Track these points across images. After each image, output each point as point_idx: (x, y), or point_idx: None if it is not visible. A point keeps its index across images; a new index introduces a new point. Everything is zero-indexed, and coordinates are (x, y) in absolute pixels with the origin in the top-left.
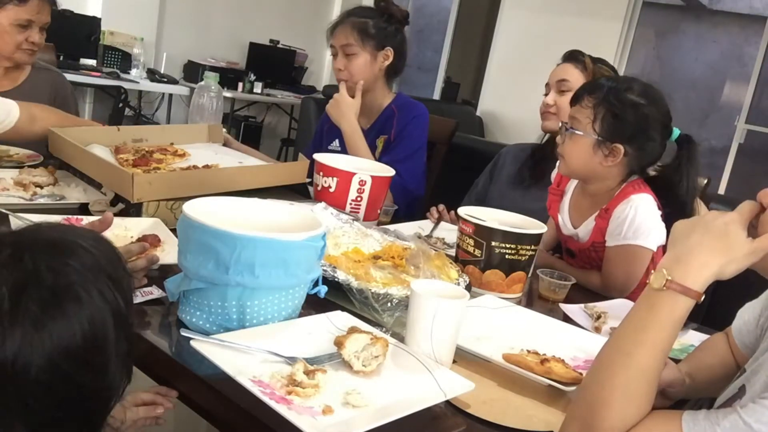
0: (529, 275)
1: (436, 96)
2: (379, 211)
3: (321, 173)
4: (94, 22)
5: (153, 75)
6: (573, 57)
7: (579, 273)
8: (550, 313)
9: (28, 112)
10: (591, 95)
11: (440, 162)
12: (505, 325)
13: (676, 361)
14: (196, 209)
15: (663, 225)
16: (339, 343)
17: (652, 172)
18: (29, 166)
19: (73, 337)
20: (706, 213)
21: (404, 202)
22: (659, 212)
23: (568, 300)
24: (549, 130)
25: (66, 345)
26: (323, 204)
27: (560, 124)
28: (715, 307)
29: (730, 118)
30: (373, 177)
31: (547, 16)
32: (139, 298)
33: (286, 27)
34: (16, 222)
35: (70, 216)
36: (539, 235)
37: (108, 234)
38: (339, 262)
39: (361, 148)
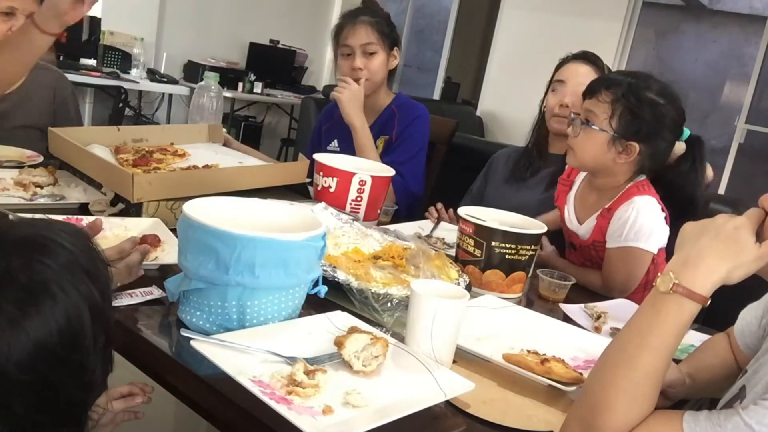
0: (529, 275)
1: (436, 96)
2: (379, 211)
3: (321, 173)
4: (94, 22)
5: (153, 75)
6: (592, 62)
7: (580, 272)
8: (550, 313)
9: None
10: (608, 90)
11: (440, 162)
12: (505, 325)
13: (677, 361)
14: (196, 209)
15: (665, 227)
16: (339, 343)
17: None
18: (29, 166)
19: (50, 335)
20: (716, 216)
21: (406, 202)
22: (663, 214)
23: (568, 300)
24: (558, 133)
25: (43, 342)
26: (323, 204)
27: (571, 116)
28: (715, 308)
29: (730, 118)
30: (373, 177)
31: (547, 16)
32: (139, 298)
33: (286, 27)
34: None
35: (70, 216)
36: (539, 235)
37: (108, 234)
38: (339, 262)
39: (368, 146)
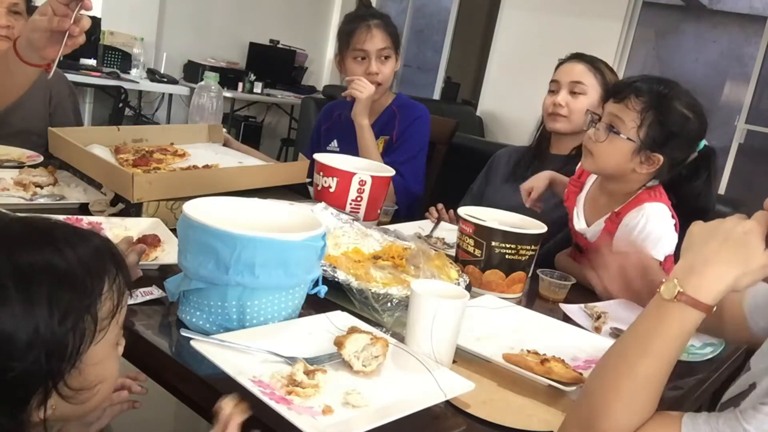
0: (529, 275)
1: (436, 96)
2: (379, 211)
3: (321, 173)
4: (94, 22)
5: (153, 75)
6: (585, 59)
7: (581, 272)
8: (550, 313)
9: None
10: (639, 97)
11: (440, 162)
12: (505, 325)
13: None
14: (196, 209)
15: (674, 235)
16: (339, 343)
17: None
18: (29, 166)
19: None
20: (725, 219)
21: (406, 202)
22: (672, 221)
23: (568, 300)
24: (557, 131)
25: None
26: (323, 204)
27: (589, 118)
28: None
29: (730, 118)
30: (373, 177)
31: (547, 16)
32: (139, 298)
33: (286, 27)
34: None
35: (70, 216)
36: (539, 235)
37: (108, 234)
38: (339, 262)
39: (373, 145)
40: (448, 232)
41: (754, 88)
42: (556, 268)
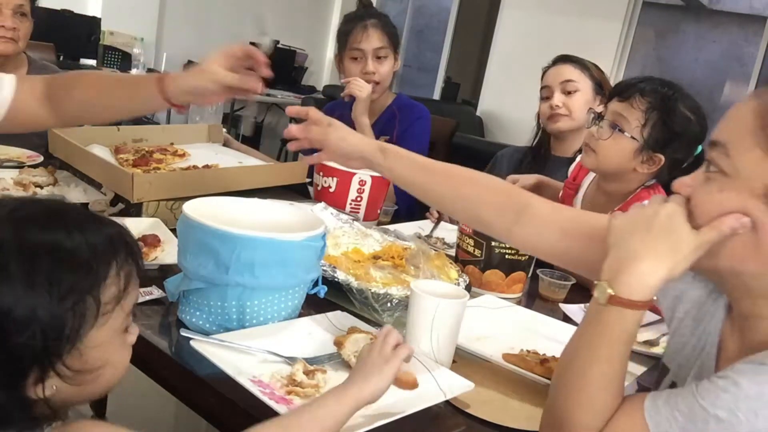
0: (529, 275)
1: (436, 96)
2: (379, 211)
3: (321, 173)
4: (94, 22)
5: None
6: (570, 60)
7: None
8: (550, 313)
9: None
10: (644, 97)
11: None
12: (505, 325)
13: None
14: (196, 209)
15: None
16: (339, 343)
17: None
18: (29, 166)
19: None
20: (644, 206)
21: (406, 203)
22: None
23: (568, 300)
24: (560, 131)
25: None
26: (323, 204)
27: (591, 116)
28: None
29: None
30: (373, 177)
31: (547, 16)
32: (139, 298)
33: (286, 27)
34: None
35: None
36: None
37: None
38: (339, 262)
39: None
40: (448, 232)
41: (754, 88)
42: (555, 268)
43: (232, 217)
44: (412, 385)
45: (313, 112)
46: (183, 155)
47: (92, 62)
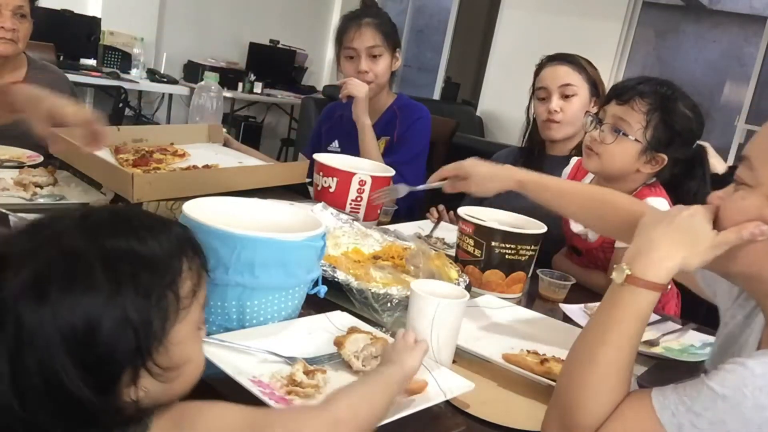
0: (529, 275)
1: (436, 96)
2: (379, 211)
3: (321, 173)
4: (94, 22)
5: (153, 75)
6: (566, 60)
7: (581, 273)
8: (550, 313)
9: None
10: (643, 98)
11: (440, 162)
12: (505, 325)
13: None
14: (196, 209)
15: None
16: (339, 343)
17: None
18: (29, 166)
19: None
20: (672, 207)
21: (406, 203)
22: None
23: (568, 300)
24: (554, 139)
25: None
26: (323, 204)
27: (589, 119)
28: (715, 308)
29: (730, 118)
30: (373, 177)
31: (547, 16)
32: None
33: (286, 27)
34: (16, 222)
35: None
36: (539, 235)
37: None
38: (339, 262)
39: (374, 145)
40: (448, 232)
41: (754, 88)
42: (555, 268)
43: (232, 217)
44: (422, 390)
45: (446, 172)
46: (183, 155)
47: (92, 62)
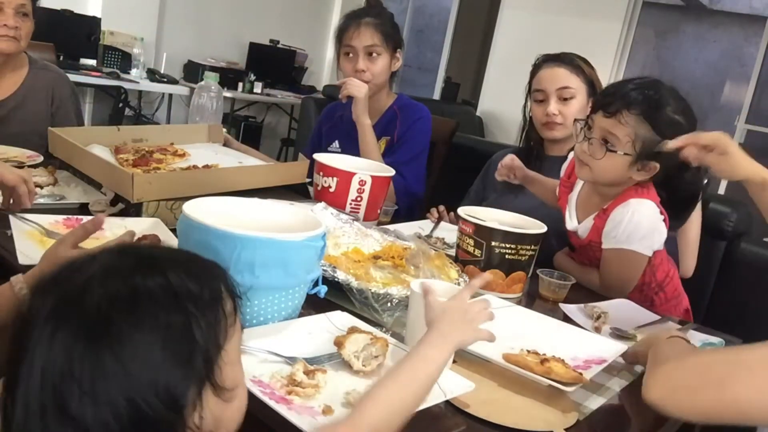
0: (529, 275)
1: (436, 96)
2: (379, 211)
3: (321, 173)
4: (94, 22)
5: (153, 75)
6: (563, 61)
7: (580, 272)
8: (550, 313)
9: None
10: (630, 110)
11: (440, 162)
12: (505, 325)
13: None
14: (196, 209)
15: (662, 230)
16: (339, 343)
17: None
18: (29, 166)
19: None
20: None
21: (406, 203)
22: (660, 217)
23: (568, 300)
24: (555, 139)
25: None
26: (323, 204)
27: (578, 127)
28: (715, 308)
29: (730, 118)
30: (373, 177)
31: (547, 16)
32: None
33: (286, 27)
34: (16, 222)
35: (70, 216)
36: (539, 235)
37: (108, 234)
38: (339, 262)
39: (374, 144)
40: (448, 232)
41: (754, 88)
42: (554, 267)
43: (232, 217)
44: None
45: (704, 139)
46: (183, 155)
47: (92, 62)
